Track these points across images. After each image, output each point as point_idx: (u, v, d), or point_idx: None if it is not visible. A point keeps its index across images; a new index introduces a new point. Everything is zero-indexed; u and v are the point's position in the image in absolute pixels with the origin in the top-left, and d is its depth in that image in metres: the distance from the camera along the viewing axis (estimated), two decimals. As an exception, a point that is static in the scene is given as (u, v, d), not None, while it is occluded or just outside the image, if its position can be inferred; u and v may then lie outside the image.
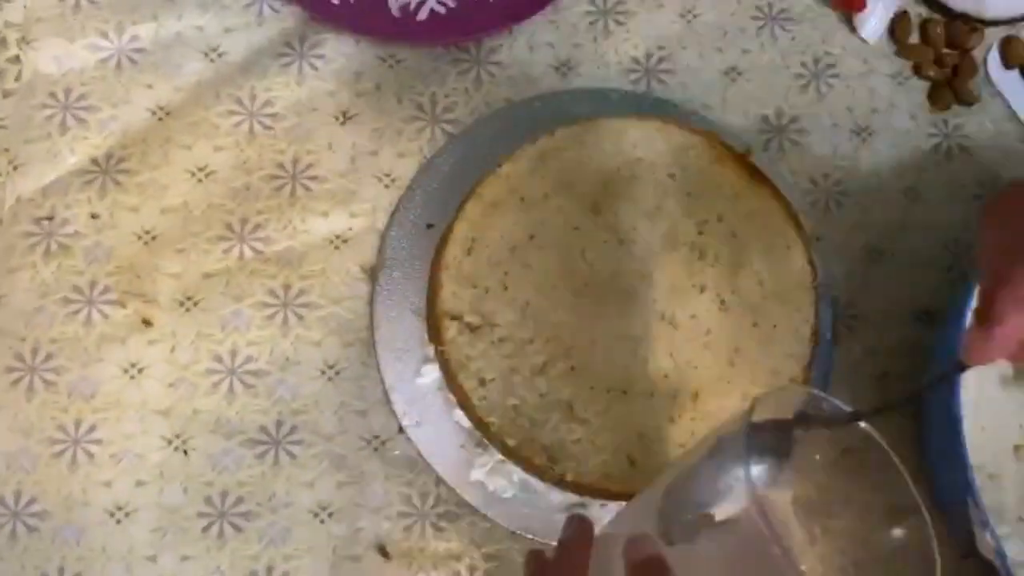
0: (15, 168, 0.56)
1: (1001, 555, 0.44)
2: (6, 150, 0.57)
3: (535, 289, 0.51)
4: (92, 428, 0.53)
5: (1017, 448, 0.52)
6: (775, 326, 0.52)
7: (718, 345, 0.51)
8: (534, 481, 0.51)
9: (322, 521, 0.53)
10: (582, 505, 0.53)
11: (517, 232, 0.52)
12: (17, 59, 0.58)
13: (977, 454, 0.49)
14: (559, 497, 0.52)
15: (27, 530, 0.52)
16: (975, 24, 0.62)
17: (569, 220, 0.52)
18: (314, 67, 0.60)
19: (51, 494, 0.53)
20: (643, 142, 0.54)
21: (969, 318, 0.40)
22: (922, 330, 0.57)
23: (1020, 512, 0.51)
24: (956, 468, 0.46)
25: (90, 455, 0.53)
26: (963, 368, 0.40)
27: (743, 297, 0.52)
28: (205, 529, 0.53)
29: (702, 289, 0.52)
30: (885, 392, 0.56)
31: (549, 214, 0.52)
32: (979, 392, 0.52)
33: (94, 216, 0.56)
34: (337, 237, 0.57)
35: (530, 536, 0.53)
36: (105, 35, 0.59)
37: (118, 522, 0.53)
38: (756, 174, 0.54)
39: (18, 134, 0.57)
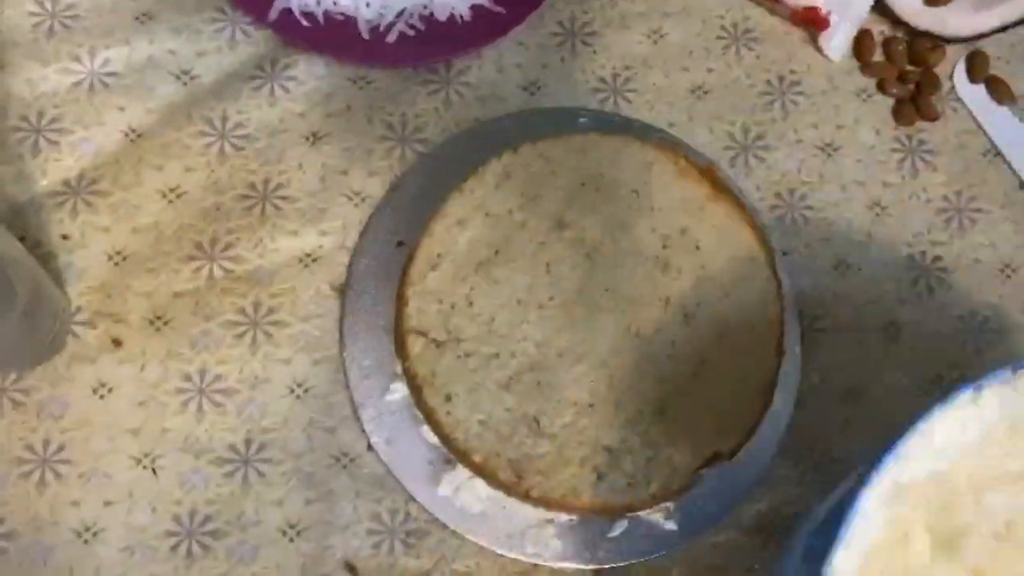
0: (-14, 190, 0.57)
1: None
2: (-22, 173, 0.57)
3: (501, 304, 0.52)
4: (61, 448, 0.54)
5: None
6: (741, 339, 0.52)
7: (683, 358, 0.51)
8: (502, 496, 0.51)
9: (291, 539, 0.53)
10: (551, 520, 0.53)
11: (483, 248, 0.53)
12: (-9, 84, 0.59)
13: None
14: (528, 512, 0.52)
15: (-6, 551, 0.52)
16: (937, 42, 0.63)
17: (534, 235, 0.53)
18: (285, 89, 0.60)
19: (19, 514, 0.53)
20: (607, 158, 0.54)
21: None
22: (889, 343, 0.58)
23: None
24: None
25: (58, 475, 0.53)
26: None
27: (708, 310, 0.52)
28: (173, 548, 0.53)
29: (667, 302, 0.52)
30: (853, 407, 0.57)
31: (514, 230, 0.53)
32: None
33: (65, 237, 0.57)
34: (307, 255, 0.58)
35: (500, 551, 0.53)
36: (78, 59, 0.60)
37: (86, 542, 0.52)
38: (720, 188, 0.54)
39: (-10, 157, 0.58)
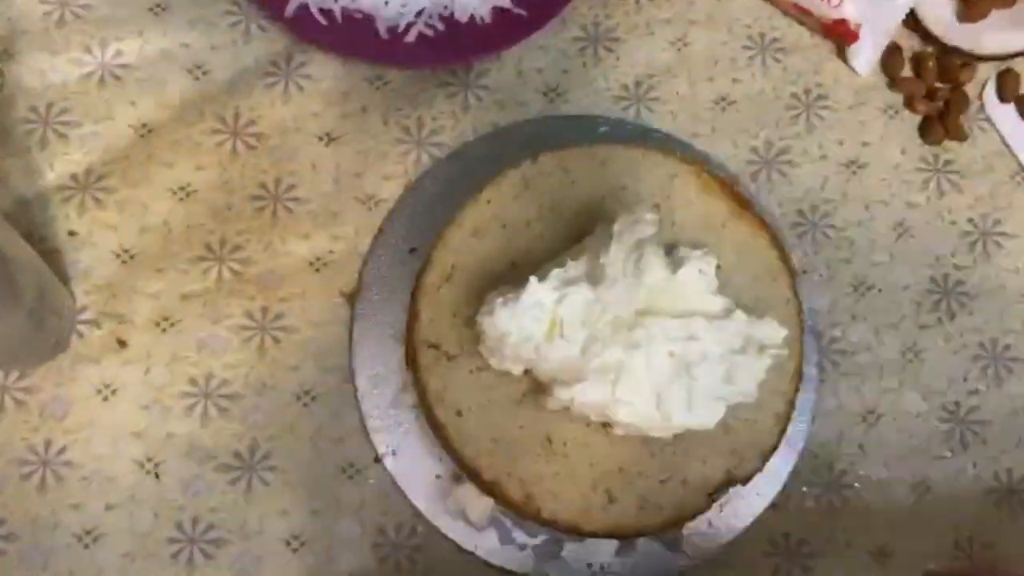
0: (-7, 183, 0.56)
1: None
2: (-16, 164, 0.56)
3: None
4: (63, 449, 0.53)
5: None
6: (759, 361, 0.51)
7: (700, 379, 0.50)
8: (510, 515, 0.50)
9: (295, 550, 0.52)
10: (558, 541, 0.52)
11: (499, 259, 0.51)
12: (-1, 72, 0.58)
13: None
14: (536, 531, 0.51)
15: (-8, 553, 0.51)
16: (968, 59, 0.61)
17: (552, 248, 0.52)
18: (300, 87, 0.59)
19: (19, 516, 0.52)
20: (628, 170, 0.53)
21: None
22: (907, 367, 0.57)
23: None
24: None
25: (60, 477, 0.52)
26: None
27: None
28: (175, 556, 0.52)
29: (685, 322, 0.51)
30: (869, 431, 0.56)
31: (532, 242, 0.52)
32: None
33: (72, 234, 0.56)
34: (318, 260, 0.56)
35: (507, 568, 0.52)
36: (89, 50, 0.58)
37: (86, 546, 0.52)
38: (743, 204, 0.53)
39: (-3, 148, 0.56)
